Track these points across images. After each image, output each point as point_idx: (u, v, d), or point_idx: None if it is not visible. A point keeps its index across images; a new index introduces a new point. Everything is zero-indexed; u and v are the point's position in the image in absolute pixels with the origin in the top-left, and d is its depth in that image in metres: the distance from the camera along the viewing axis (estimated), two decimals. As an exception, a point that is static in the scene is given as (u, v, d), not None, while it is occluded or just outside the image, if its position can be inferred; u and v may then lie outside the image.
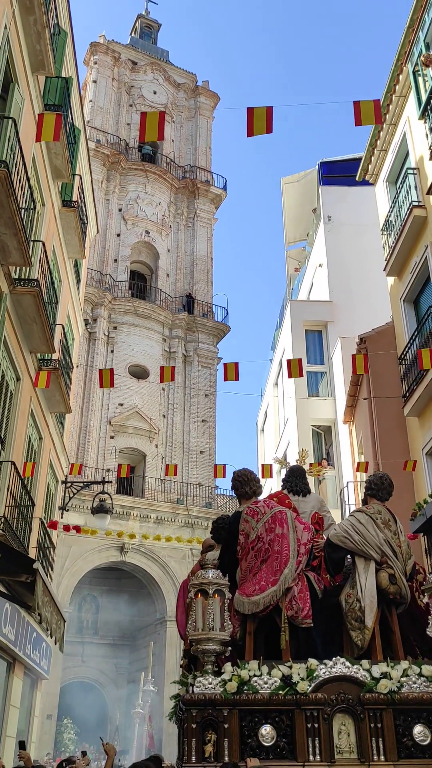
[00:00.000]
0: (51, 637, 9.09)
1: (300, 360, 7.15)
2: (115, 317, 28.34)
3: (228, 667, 4.59)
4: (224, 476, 10.03)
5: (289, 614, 4.95)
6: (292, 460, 7.82)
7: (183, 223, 32.63)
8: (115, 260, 29.96)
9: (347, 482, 15.05)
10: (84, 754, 11.83)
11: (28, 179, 10.24)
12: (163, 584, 24.91)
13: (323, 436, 18.69)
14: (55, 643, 9.99)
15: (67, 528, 12.65)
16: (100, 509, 14.22)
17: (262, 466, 10.17)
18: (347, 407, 15.79)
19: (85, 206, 15.54)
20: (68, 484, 15.17)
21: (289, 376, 7.29)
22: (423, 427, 11.97)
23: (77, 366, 26.57)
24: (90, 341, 27.45)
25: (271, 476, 10.26)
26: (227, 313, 31.33)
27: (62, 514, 14.72)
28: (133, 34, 39.60)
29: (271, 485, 17.76)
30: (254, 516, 5.20)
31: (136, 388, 27.46)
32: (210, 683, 4.49)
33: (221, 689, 4.47)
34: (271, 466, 10.65)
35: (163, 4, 71.51)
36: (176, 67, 36.97)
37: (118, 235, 30.52)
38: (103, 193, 30.51)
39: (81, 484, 15.79)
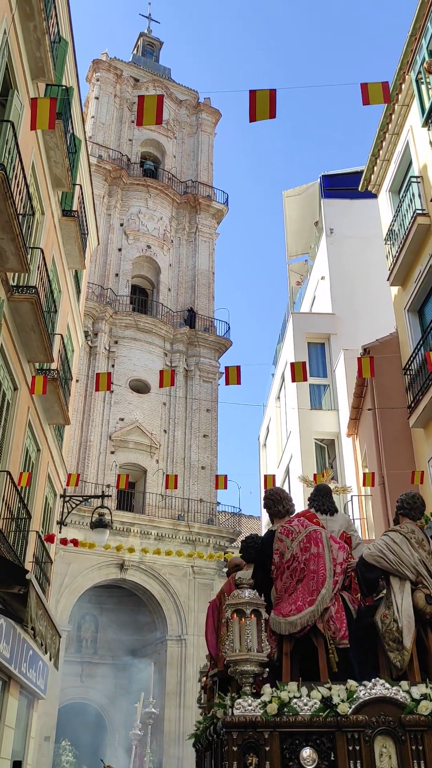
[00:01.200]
0: (46, 653, 8.76)
1: (304, 363, 6.93)
2: (116, 331, 28.21)
3: (267, 688, 4.52)
4: (225, 487, 9.77)
5: (326, 635, 4.89)
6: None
7: (184, 237, 32.63)
8: (117, 274, 29.90)
9: (351, 496, 14.75)
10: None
11: (26, 185, 10.10)
12: (164, 602, 24.48)
13: (326, 449, 18.41)
14: (50, 659, 9.65)
15: (64, 541, 12.35)
16: (99, 524, 13.92)
17: (265, 477, 9.89)
18: (351, 420, 15.54)
19: (85, 216, 15.42)
20: (67, 498, 14.87)
21: (293, 380, 7.07)
22: (429, 438, 11.71)
23: (77, 380, 26.45)
24: (91, 355, 27.27)
25: (273, 484, 9.99)
26: (229, 328, 31.21)
27: (60, 528, 14.42)
28: (135, 52, 39.95)
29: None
30: (289, 535, 5.14)
31: (137, 402, 27.24)
32: (250, 705, 4.44)
33: (261, 711, 4.41)
34: (273, 476, 10.37)
35: (165, 22, 72.44)
36: (178, 84, 37.23)
37: (120, 249, 30.50)
38: (105, 207, 30.55)
39: (80, 499, 15.49)
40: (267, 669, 4.74)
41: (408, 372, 12.51)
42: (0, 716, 10.66)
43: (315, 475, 9.88)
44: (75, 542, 12.37)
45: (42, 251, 11.06)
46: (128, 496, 26.01)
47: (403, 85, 12.81)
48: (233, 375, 6.93)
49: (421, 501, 5.49)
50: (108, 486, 23.70)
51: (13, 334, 10.25)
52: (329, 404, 18.84)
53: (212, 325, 30.68)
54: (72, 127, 13.69)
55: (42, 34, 10.13)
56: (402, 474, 11.48)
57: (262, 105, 4.98)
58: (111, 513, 17.05)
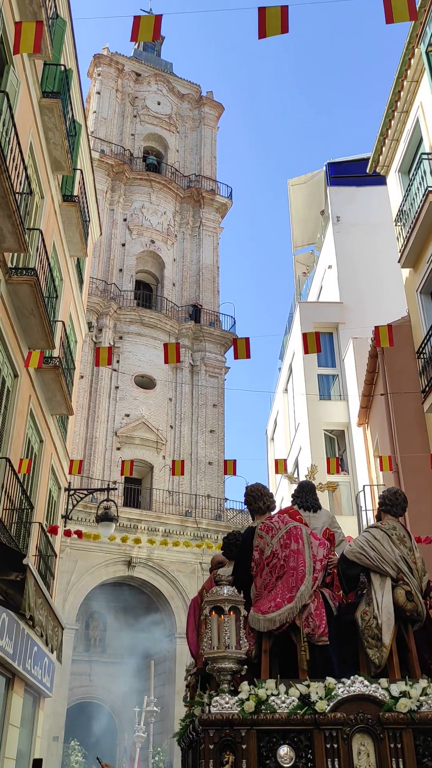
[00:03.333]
0: (47, 645, 8.40)
1: (317, 333, 6.54)
2: (120, 327, 27.88)
3: (245, 686, 4.48)
4: (234, 473, 9.39)
5: (305, 632, 4.84)
6: (304, 467, 7.34)
7: (188, 232, 32.29)
8: (120, 270, 29.58)
9: (363, 486, 14.35)
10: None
11: (24, 165, 9.76)
12: (173, 600, 24.11)
13: (336, 440, 18.00)
14: (52, 652, 9.27)
15: (68, 533, 11.99)
16: (104, 517, 13.56)
17: (276, 461, 9.51)
18: (361, 408, 15.13)
19: (86, 203, 15.08)
20: (71, 492, 14.52)
21: (305, 352, 6.69)
22: (444, 424, 11.31)
23: (82, 376, 26.16)
24: (95, 351, 26.95)
25: (285, 470, 9.62)
26: (234, 322, 30.81)
27: (65, 522, 14.06)
28: (136, 47, 39.62)
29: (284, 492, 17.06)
30: (269, 531, 5.09)
31: (142, 398, 26.90)
32: (227, 703, 4.38)
33: (239, 709, 4.37)
34: (285, 461, 9.98)
35: (166, 17, 71.94)
36: (180, 78, 36.91)
37: (123, 244, 30.18)
38: (108, 203, 30.25)
39: (84, 492, 15.14)
40: (245, 666, 4.69)
41: (421, 356, 12.11)
42: (4, 715, 10.32)
43: (328, 460, 9.48)
44: (79, 533, 12.01)
45: (41, 233, 10.72)
46: (135, 493, 25.67)
47: (412, 60, 12.41)
48: (242, 348, 6.56)
49: (403, 497, 5.46)
50: (114, 482, 23.36)
51: (12, 319, 9.91)
52: (338, 394, 18.44)
53: (217, 319, 30.32)
54: (72, 112, 13.35)
55: (38, 7, 9.78)
56: (417, 461, 11.09)
57: (272, 21, 4.60)
58: (117, 507, 16.71)
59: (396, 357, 12.51)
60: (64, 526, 14.30)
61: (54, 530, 12.14)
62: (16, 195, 8.91)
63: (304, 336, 6.72)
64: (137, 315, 27.98)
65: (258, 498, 5.48)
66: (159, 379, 27.48)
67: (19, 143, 9.28)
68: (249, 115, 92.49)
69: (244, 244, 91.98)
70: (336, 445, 18.20)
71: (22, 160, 9.49)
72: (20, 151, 9.40)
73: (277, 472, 9.38)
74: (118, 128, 33.08)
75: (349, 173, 21.16)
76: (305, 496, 6.28)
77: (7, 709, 10.37)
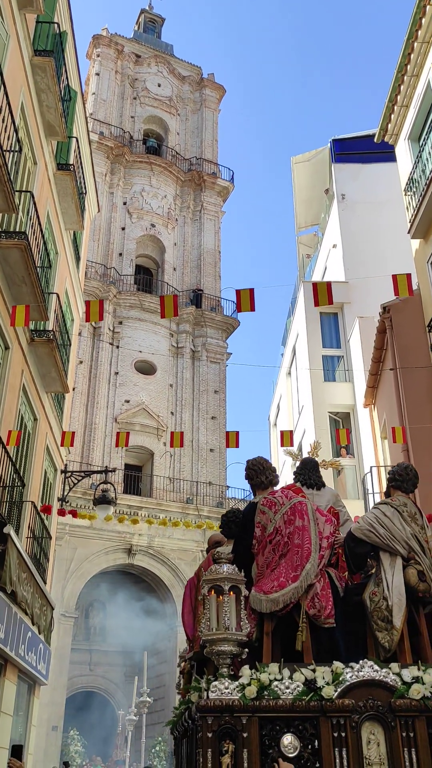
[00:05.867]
0: (34, 625, 7.93)
1: (329, 284, 6.04)
2: (120, 312, 27.39)
3: (246, 670, 4.20)
4: (237, 446, 8.89)
5: (310, 613, 4.57)
6: (306, 451, 6.88)
7: (189, 216, 31.72)
8: (120, 254, 29.06)
9: (370, 467, 13.86)
10: (67, 765, 10.74)
11: (14, 125, 9.22)
12: (174, 588, 23.69)
13: (341, 422, 17.50)
14: (40, 633, 8.80)
15: (62, 512, 11.53)
16: (102, 500, 13.12)
17: (281, 433, 9.01)
18: (368, 388, 14.63)
19: (83, 174, 14.52)
20: (68, 474, 14.06)
21: (316, 304, 6.16)
22: (456, 400, 10.81)
23: (81, 362, 25.67)
24: (95, 336, 26.47)
25: (291, 443, 9.13)
26: (236, 307, 30.25)
27: (61, 504, 13.60)
28: (136, 29, 39.00)
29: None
30: (272, 507, 4.79)
31: (142, 384, 26.43)
32: (227, 688, 4.09)
33: (239, 694, 4.07)
34: (291, 432, 9.50)
35: (168, -1, 71.03)
36: (181, 60, 36.26)
37: (123, 228, 29.64)
38: (107, 186, 29.69)
39: (81, 474, 14.68)
40: (246, 650, 4.42)
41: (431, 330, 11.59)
42: (-4, 702, 9.87)
43: (338, 431, 8.98)
44: (74, 513, 11.57)
45: (33, 197, 10.17)
46: (135, 480, 25.22)
47: (423, 20, 11.81)
48: (246, 300, 6.05)
49: (414, 473, 5.16)
50: (114, 469, 22.91)
51: (1, 287, 9.39)
52: (343, 376, 17.92)
53: (219, 304, 29.80)
54: (67, 76, 12.79)
55: None
56: (427, 437, 10.58)
57: None
58: (116, 493, 16.27)
59: (405, 331, 12.01)
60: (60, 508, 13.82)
61: (47, 510, 11.66)
62: (5, 152, 8.38)
63: (315, 285, 6.19)
64: (137, 300, 27.47)
65: (260, 472, 5.17)
66: (159, 365, 27.02)
67: (8, 100, 8.75)
68: (252, 96, 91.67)
69: (247, 227, 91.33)
70: (341, 427, 17.70)
71: (12, 117, 8.95)
72: (9, 109, 8.86)
73: (282, 445, 8.90)
74: (118, 110, 32.49)
75: (355, 150, 20.58)
76: (308, 473, 5.92)
77: None
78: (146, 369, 26.92)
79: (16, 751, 4.89)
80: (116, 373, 26.27)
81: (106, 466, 19.12)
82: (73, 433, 11.33)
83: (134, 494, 24.35)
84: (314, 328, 18.42)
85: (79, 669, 23.97)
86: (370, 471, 14.14)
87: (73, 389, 22.01)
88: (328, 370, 17.87)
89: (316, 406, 17.37)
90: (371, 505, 14.11)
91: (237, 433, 8.91)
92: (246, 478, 5.26)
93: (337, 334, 18.57)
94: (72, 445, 11.70)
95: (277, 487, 5.24)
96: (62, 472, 14.07)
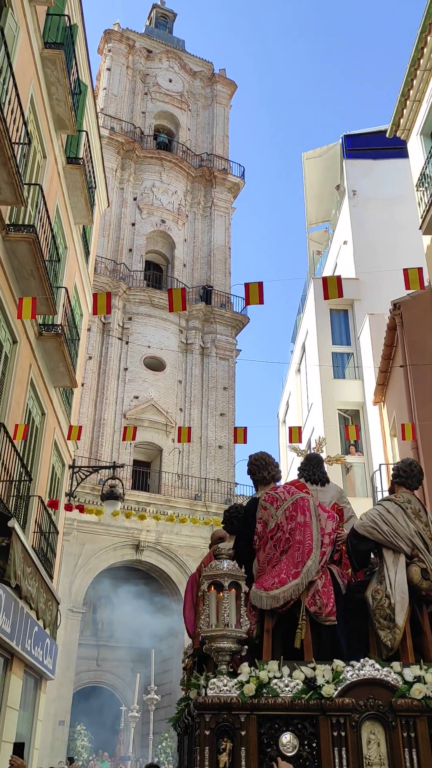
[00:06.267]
0: (39, 619, 7.90)
1: (339, 277, 5.95)
2: (129, 308, 27.36)
3: (245, 667, 4.14)
4: (245, 441, 8.82)
5: (311, 610, 4.51)
6: (312, 447, 6.78)
7: (200, 212, 31.63)
8: (130, 250, 29.02)
9: (380, 464, 13.75)
10: (72, 760, 10.73)
11: (24, 118, 9.17)
12: (181, 585, 23.66)
13: (350, 420, 17.39)
14: (45, 628, 8.77)
15: (68, 507, 11.52)
16: (110, 495, 13.08)
17: (290, 429, 8.92)
18: (378, 386, 14.51)
19: (93, 168, 14.47)
20: (76, 469, 14.03)
21: (325, 297, 6.09)
22: (467, 398, 10.68)
23: (90, 357, 25.65)
24: (104, 332, 26.46)
25: (300, 440, 9.05)
26: (246, 304, 30.12)
27: (69, 499, 13.58)
28: (148, 24, 38.86)
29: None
30: (273, 503, 4.72)
31: (151, 380, 26.39)
32: (225, 685, 4.04)
33: (238, 692, 4.02)
34: (300, 428, 9.41)
35: (179, -6, 70.96)
36: (192, 56, 36.13)
37: (133, 224, 29.60)
38: (118, 181, 29.64)
39: (89, 470, 14.65)
40: (246, 647, 4.37)
41: (443, 326, 11.47)
42: (1, 697, 9.86)
43: (347, 428, 8.89)
44: (80, 508, 11.56)
45: (42, 191, 10.13)
46: (144, 476, 25.21)
47: (436, 12, 11.66)
48: (255, 293, 5.98)
49: (418, 469, 5.08)
50: (122, 465, 22.91)
51: (10, 280, 9.36)
52: (353, 373, 17.80)
53: (229, 301, 29.71)
54: (77, 70, 12.74)
55: None
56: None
57: None
58: (123, 488, 16.24)
59: (416, 328, 11.89)
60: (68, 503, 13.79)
61: (54, 505, 11.64)
62: (14, 145, 8.33)
63: (324, 279, 6.10)
64: (147, 296, 27.43)
65: (262, 467, 5.11)
66: (169, 361, 26.98)
67: (17, 92, 8.70)
68: (263, 91, 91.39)
69: (257, 224, 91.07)
70: (350, 424, 17.59)
71: (21, 110, 8.90)
72: (19, 102, 8.81)
73: (291, 441, 8.82)
74: (129, 106, 32.41)
75: (366, 146, 20.42)
76: (312, 468, 5.88)
77: (5, 690, 9.92)
78: (155, 365, 26.89)
79: (18, 749, 4.86)
80: (125, 369, 26.25)
81: (114, 462, 19.11)
82: (81, 427, 11.29)
83: (142, 490, 24.33)
84: (324, 325, 18.31)
85: (86, 664, 24.03)
86: (379, 469, 14.03)
87: (82, 385, 21.99)
88: (338, 367, 17.77)
89: (325, 404, 17.27)
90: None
91: (245, 428, 8.84)
92: (248, 473, 5.23)
93: (347, 331, 18.45)
94: (79, 438, 11.67)
95: (281, 483, 5.18)
96: (70, 467, 14.05)
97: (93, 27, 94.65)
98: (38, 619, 7.78)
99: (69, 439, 11.69)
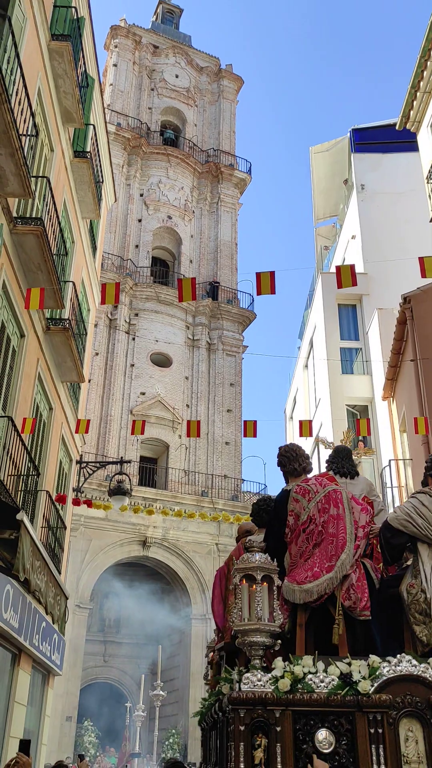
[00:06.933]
0: (48, 614, 7.86)
1: (353, 266, 5.88)
2: (136, 304, 27.30)
3: (279, 662, 4.08)
4: (255, 435, 8.73)
5: (346, 605, 4.45)
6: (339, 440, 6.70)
7: (206, 208, 31.54)
8: (137, 246, 28.95)
9: (389, 460, 13.66)
10: (81, 757, 10.71)
11: (31, 110, 9.11)
12: (188, 581, 23.65)
13: (359, 416, 17.27)
14: (54, 623, 8.73)
15: (76, 502, 11.48)
16: (117, 491, 13.04)
17: (300, 423, 8.85)
18: (387, 381, 14.41)
19: (100, 162, 14.39)
20: (83, 465, 13.99)
21: (339, 286, 6.01)
22: None
23: (97, 353, 25.62)
24: (111, 328, 26.42)
25: (310, 434, 8.97)
26: (253, 300, 30.05)
27: (77, 495, 13.54)
28: (154, 20, 38.78)
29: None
30: (305, 495, 4.64)
31: (158, 376, 26.34)
32: (259, 680, 3.98)
33: (272, 687, 3.94)
34: (310, 422, 9.34)
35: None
36: (199, 51, 36.02)
37: (140, 220, 29.53)
38: (124, 177, 29.57)
39: (97, 465, 14.61)
40: (279, 641, 4.33)
41: (454, 320, 11.36)
42: (10, 692, 9.83)
43: (358, 421, 8.81)
44: (88, 503, 11.52)
45: (50, 183, 10.07)
46: (150, 472, 25.17)
47: (447, 2, 11.52)
48: (266, 283, 5.90)
49: None
50: (129, 461, 22.87)
51: (17, 273, 9.30)
52: (361, 368, 17.69)
53: (235, 297, 29.61)
54: (84, 63, 12.66)
55: None
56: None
57: None
58: (131, 484, 16.20)
59: (426, 321, 11.77)
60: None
61: (62, 499, 11.60)
62: (21, 137, 8.26)
63: (338, 269, 6.02)
64: (153, 291, 27.37)
65: (293, 459, 5.03)
66: (175, 357, 26.92)
67: (24, 83, 8.63)
68: (270, 86, 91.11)
69: (264, 219, 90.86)
70: (360, 418, 17.48)
71: (28, 102, 8.82)
72: (26, 93, 8.74)
73: (301, 435, 8.74)
74: (135, 101, 32.32)
75: (375, 140, 20.28)
76: (341, 461, 5.74)
77: (13, 686, 9.88)
78: (162, 361, 26.84)
79: (24, 746, 4.80)
80: (132, 365, 26.21)
81: (122, 457, 19.06)
82: (88, 420, 11.24)
83: (149, 486, 24.29)
84: (332, 320, 18.20)
85: (93, 660, 24.04)
86: (389, 464, 13.93)
87: (89, 381, 21.95)
88: (347, 361, 17.66)
89: (333, 399, 17.17)
90: (389, 498, 13.91)
91: (255, 422, 8.75)
92: (278, 465, 5.14)
93: (356, 326, 18.34)
94: (87, 431, 11.62)
95: (310, 475, 5.11)
96: (77, 462, 14.01)
97: (99, 23, 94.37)
98: (47, 614, 7.74)
99: (77, 432, 11.63)
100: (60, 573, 11.50)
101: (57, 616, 7.84)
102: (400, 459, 13.69)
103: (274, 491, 33.89)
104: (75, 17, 11.91)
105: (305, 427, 8.64)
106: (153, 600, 23.27)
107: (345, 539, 4.48)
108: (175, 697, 23.15)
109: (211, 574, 23.74)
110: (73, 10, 11.26)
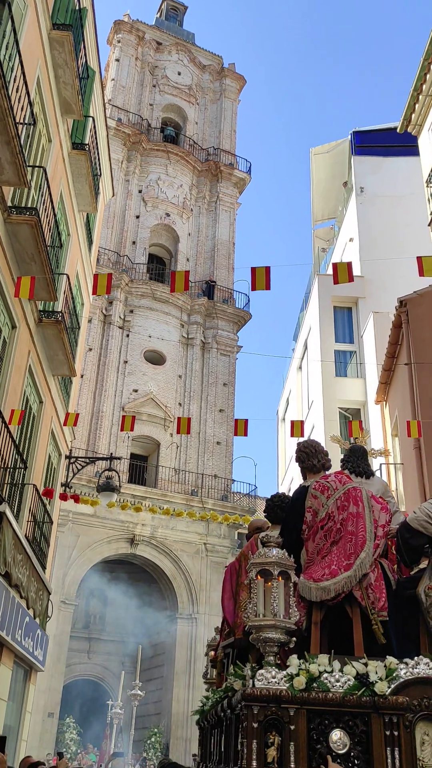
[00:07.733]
0: (29, 609, 7.74)
1: (350, 263, 5.82)
2: (131, 300, 27.18)
3: (294, 659, 4.01)
4: (246, 434, 8.65)
5: (363, 604, 4.40)
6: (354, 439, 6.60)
7: (205, 206, 31.45)
8: (134, 242, 28.84)
9: (380, 464, 13.59)
10: (60, 755, 10.60)
11: (29, 99, 8.99)
12: (175, 580, 23.56)
13: (351, 419, 17.21)
14: (35, 618, 8.61)
15: (63, 497, 11.36)
16: (106, 487, 12.92)
17: (292, 423, 8.76)
18: (381, 384, 14.35)
19: (98, 156, 14.28)
20: (72, 460, 13.87)
21: (335, 282, 5.94)
22: (472, 398, 10.51)
23: (90, 349, 25.49)
24: (105, 324, 26.30)
25: (302, 434, 8.88)
26: (249, 300, 29.99)
27: (65, 490, 13.42)
28: (158, 16, 38.66)
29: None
30: (324, 492, 4.59)
31: (151, 374, 26.24)
32: (274, 677, 3.91)
33: (287, 685, 3.87)
34: (302, 423, 9.27)
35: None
36: (202, 49, 35.90)
37: (137, 216, 29.41)
38: (123, 173, 29.46)
39: (86, 460, 14.49)
40: (294, 638, 4.22)
41: (449, 325, 11.30)
42: (-10, 686, 9.72)
43: (350, 423, 8.71)
44: (76, 498, 11.40)
45: (46, 174, 9.95)
46: (140, 470, 25.06)
47: (452, 6, 11.46)
48: (261, 278, 5.83)
49: None
50: (119, 457, 22.76)
51: (10, 263, 9.18)
52: (355, 371, 17.64)
53: (231, 296, 29.54)
54: (85, 54, 12.54)
55: None
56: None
57: None
58: (120, 481, 16.09)
59: (422, 326, 11.72)
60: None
61: (49, 493, 11.47)
62: (18, 125, 8.15)
63: (335, 266, 5.96)
64: (149, 289, 27.25)
65: (312, 455, 4.96)
66: (169, 355, 26.82)
67: (23, 70, 8.51)
68: (272, 86, 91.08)
69: (263, 219, 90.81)
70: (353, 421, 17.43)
71: (27, 90, 8.71)
72: (24, 80, 8.62)
73: (292, 435, 8.66)
74: (137, 97, 32.20)
75: (375, 143, 20.24)
76: (356, 461, 5.66)
77: (-6, 680, 9.77)
78: (155, 359, 26.73)
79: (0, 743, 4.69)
80: (125, 362, 26.10)
81: (111, 453, 18.95)
82: (77, 414, 11.11)
83: (139, 484, 24.18)
84: (327, 323, 18.14)
85: (77, 657, 23.89)
86: (380, 468, 13.86)
87: (81, 376, 21.82)
88: (341, 363, 17.60)
89: (326, 402, 17.11)
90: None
91: (246, 421, 8.66)
92: (297, 461, 5.07)
93: (351, 329, 18.28)
94: (75, 424, 11.49)
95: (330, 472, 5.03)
96: (66, 457, 13.89)
97: (102, 18, 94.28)
98: (29, 608, 7.61)
99: (65, 424, 11.50)
100: (45, 568, 11.38)
101: (39, 612, 7.71)
102: (391, 463, 13.64)
103: (264, 492, 33.82)
104: (77, 7, 11.81)
105: (297, 428, 8.58)
106: (139, 598, 23.16)
107: (364, 537, 4.43)
108: (158, 695, 23.05)
109: (198, 573, 23.65)
110: (75, 0, 11.13)
